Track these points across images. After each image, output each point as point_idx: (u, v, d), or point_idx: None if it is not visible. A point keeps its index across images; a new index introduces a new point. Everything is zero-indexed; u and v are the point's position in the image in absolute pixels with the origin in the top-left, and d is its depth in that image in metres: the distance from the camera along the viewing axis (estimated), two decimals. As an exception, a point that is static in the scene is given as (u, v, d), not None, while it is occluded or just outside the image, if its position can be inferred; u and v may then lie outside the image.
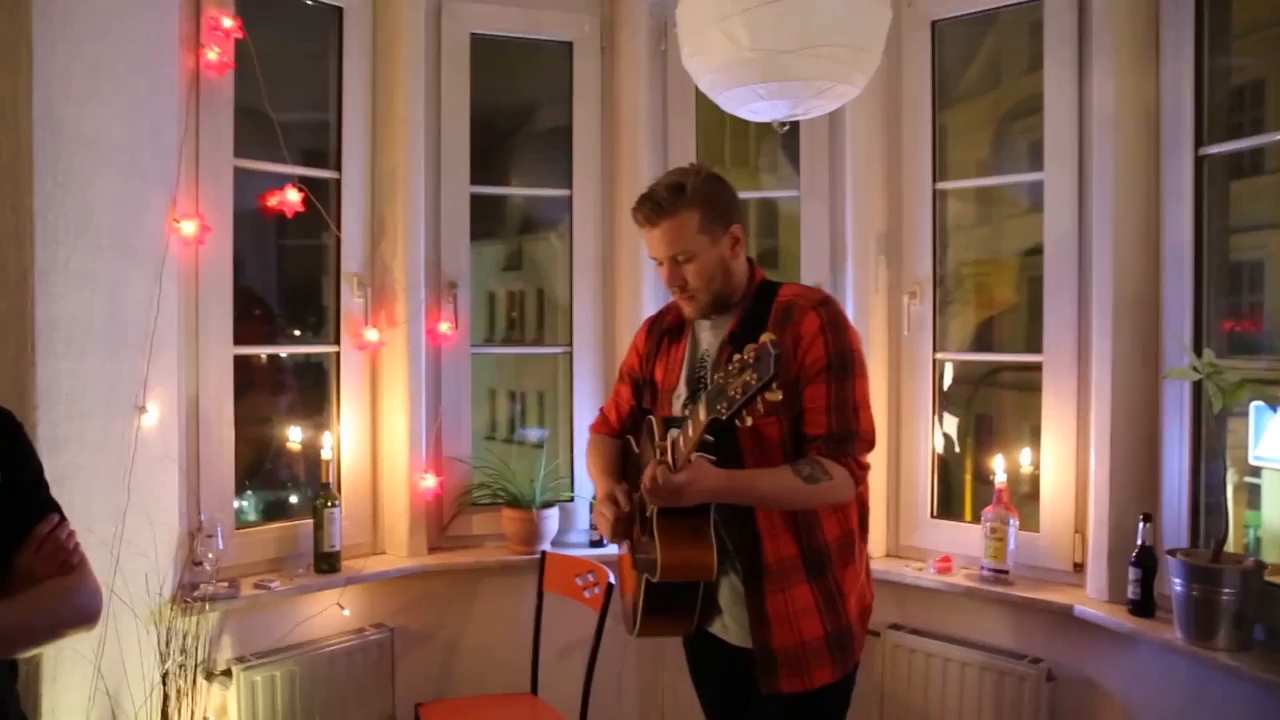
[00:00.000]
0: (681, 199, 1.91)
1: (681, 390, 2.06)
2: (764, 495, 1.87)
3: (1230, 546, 2.32)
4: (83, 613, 1.50)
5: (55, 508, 1.53)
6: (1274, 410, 2.25)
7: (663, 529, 1.84)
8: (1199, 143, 2.47)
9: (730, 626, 2.00)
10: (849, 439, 1.87)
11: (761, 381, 1.51)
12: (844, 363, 1.89)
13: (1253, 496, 2.51)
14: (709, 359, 2.02)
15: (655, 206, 1.93)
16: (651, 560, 1.87)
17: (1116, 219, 2.55)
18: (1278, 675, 2.10)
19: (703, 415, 1.64)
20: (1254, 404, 2.28)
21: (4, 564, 1.43)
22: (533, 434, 4.20)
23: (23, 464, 1.52)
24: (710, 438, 1.69)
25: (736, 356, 1.57)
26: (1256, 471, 2.45)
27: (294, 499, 3.19)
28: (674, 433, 1.79)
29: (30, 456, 1.54)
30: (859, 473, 1.90)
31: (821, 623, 1.92)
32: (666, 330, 2.15)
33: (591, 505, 3.20)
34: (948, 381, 3.14)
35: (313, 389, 3.24)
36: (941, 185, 3.03)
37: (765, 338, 1.54)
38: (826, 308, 1.93)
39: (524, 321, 4.10)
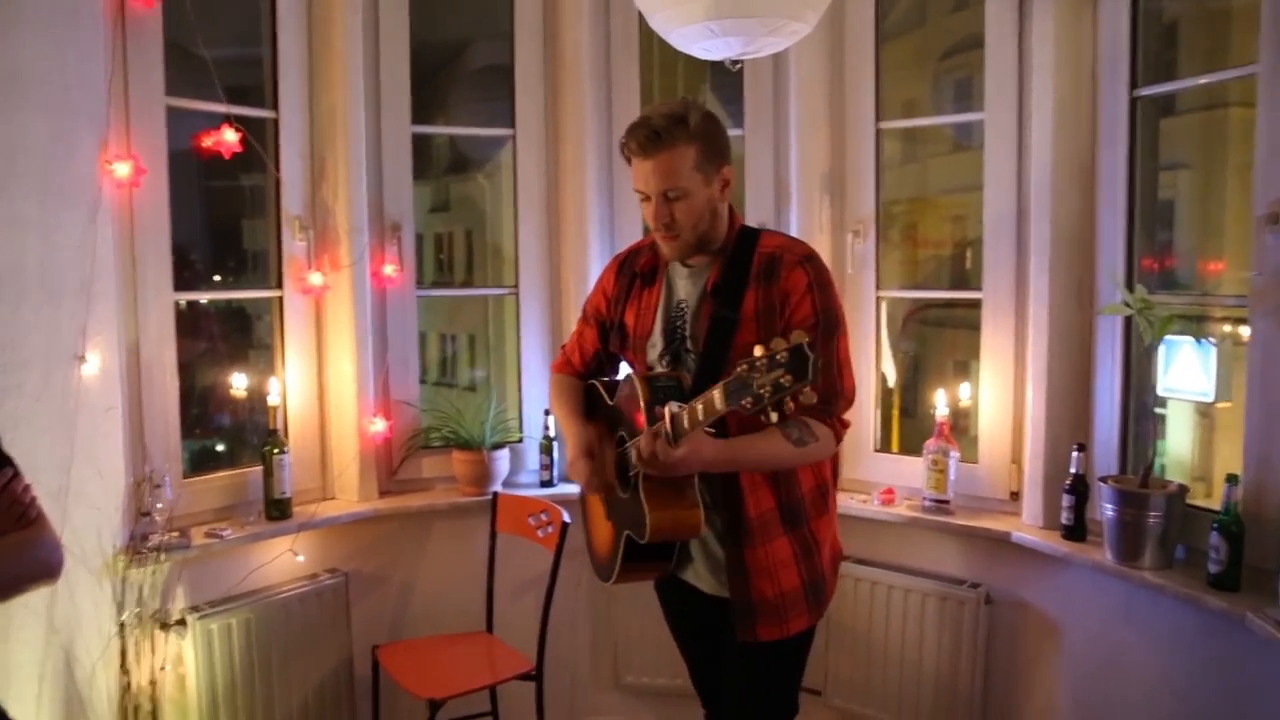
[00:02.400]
0: (682, 131, 1.83)
1: (657, 340, 2.01)
2: (756, 463, 1.87)
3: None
4: (45, 566, 1.48)
5: (8, 461, 1.50)
6: (1199, 344, 2.37)
7: (649, 489, 1.84)
8: (1134, 84, 2.54)
9: (702, 575, 2.02)
10: (833, 399, 1.87)
11: (795, 385, 1.48)
12: (830, 322, 1.87)
13: (1161, 427, 2.64)
14: (687, 309, 1.97)
15: (653, 135, 1.84)
16: (637, 519, 1.87)
17: (1055, 159, 2.62)
18: (1196, 590, 2.24)
19: (719, 404, 1.59)
20: (1165, 338, 2.39)
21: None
22: (464, 377, 4.19)
23: None
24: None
25: (762, 351, 1.51)
26: (1165, 403, 2.59)
27: (242, 446, 3.15)
28: (674, 406, 1.74)
29: None
30: (841, 431, 1.91)
31: (799, 573, 1.95)
32: (639, 273, 2.07)
33: (542, 446, 3.23)
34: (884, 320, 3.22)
35: (257, 335, 3.18)
36: (883, 124, 3.06)
37: (798, 336, 1.49)
38: (813, 264, 1.90)
39: (453, 264, 4.06)
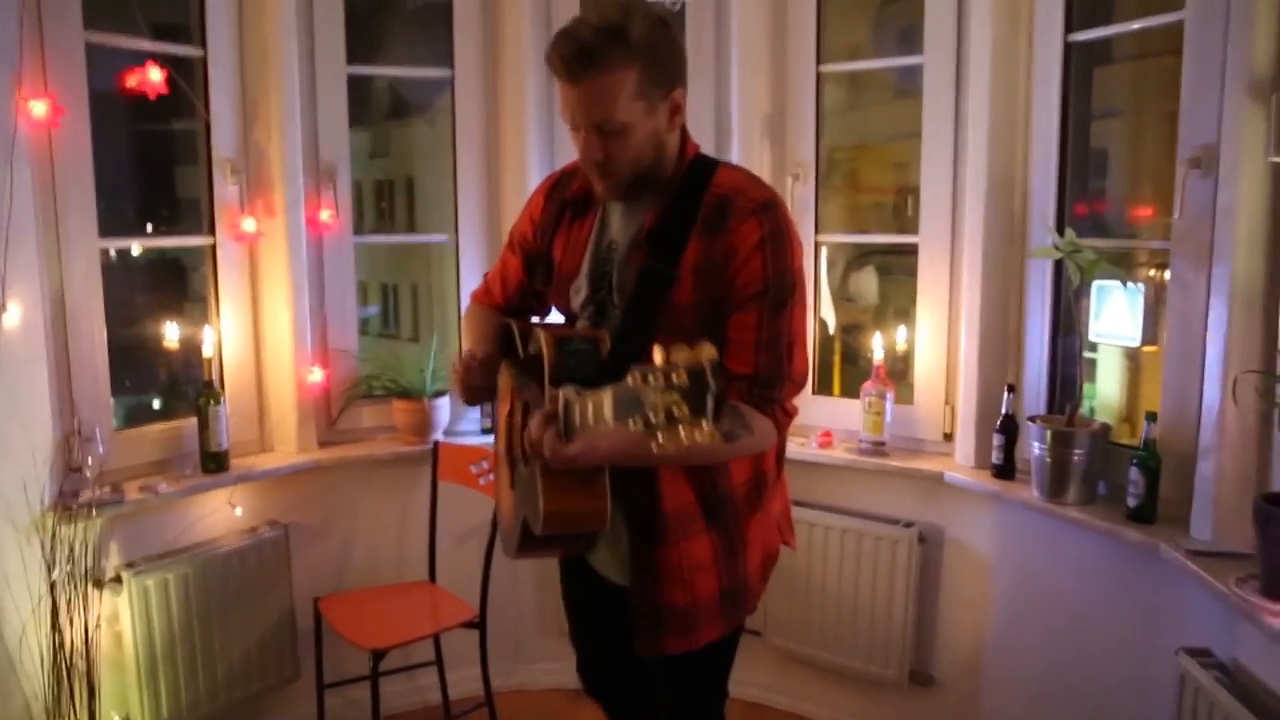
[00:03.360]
0: (620, 49, 1.48)
1: (581, 284, 1.72)
2: (674, 457, 1.42)
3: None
4: None
5: None
6: (1122, 286, 2.44)
7: (547, 473, 1.51)
8: (1068, 29, 2.57)
9: (609, 563, 1.76)
10: (777, 382, 1.57)
11: (689, 419, 1.09)
12: (782, 288, 1.55)
13: (1090, 371, 2.73)
14: (617, 252, 1.67)
15: (581, 54, 1.48)
16: (533, 504, 1.56)
17: (991, 103, 2.65)
18: (1115, 524, 2.33)
19: (608, 414, 1.24)
20: (1096, 284, 2.46)
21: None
22: (406, 328, 4.13)
23: None
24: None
25: (662, 365, 1.11)
26: (1095, 348, 2.68)
27: (177, 399, 3.07)
28: (570, 392, 1.38)
29: None
30: (784, 420, 1.61)
31: (718, 577, 1.67)
32: (570, 201, 1.75)
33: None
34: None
35: (189, 283, 3.09)
36: (824, 68, 3.06)
37: (705, 355, 1.09)
38: (769, 214, 1.55)
39: (394, 211, 3.99)
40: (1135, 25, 2.52)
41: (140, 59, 2.60)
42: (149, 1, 2.64)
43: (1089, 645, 2.48)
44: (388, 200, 4.10)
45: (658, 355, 1.14)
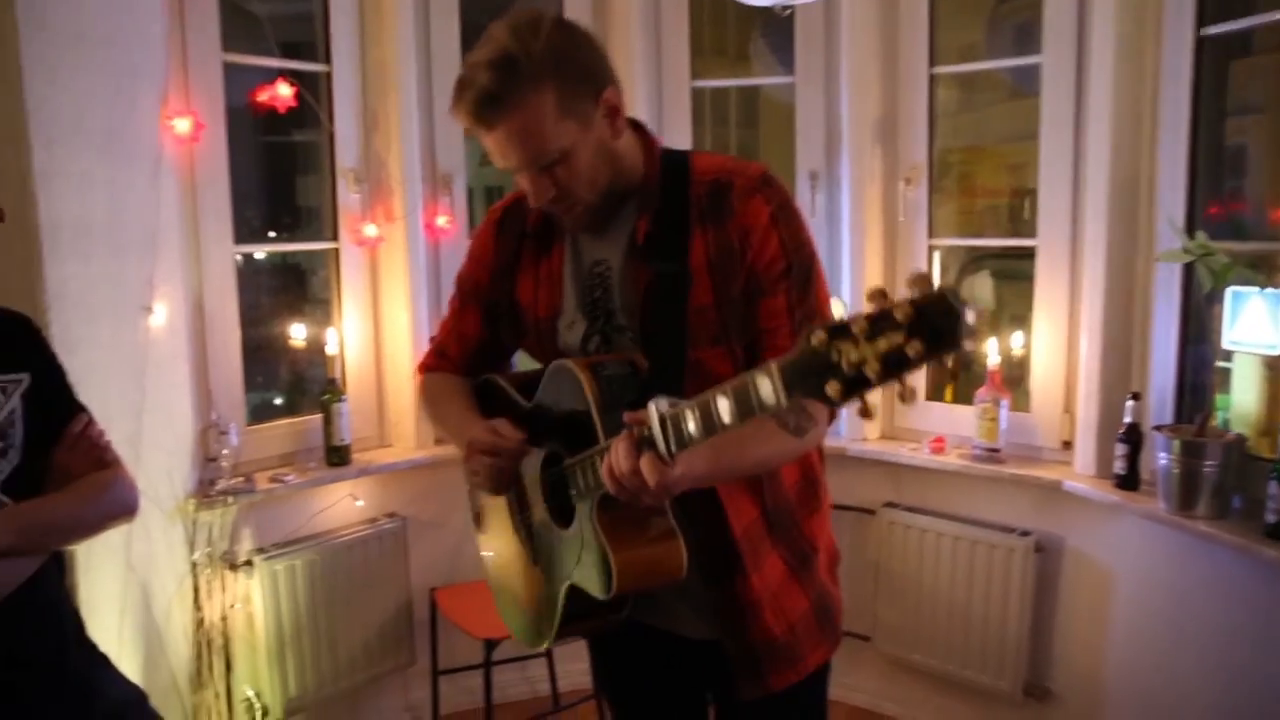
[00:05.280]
0: (518, 78, 1.29)
1: (574, 317, 1.50)
2: (754, 466, 1.41)
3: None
4: (123, 505, 1.55)
5: (83, 408, 1.57)
6: (1260, 291, 2.31)
7: (608, 523, 1.33)
8: (1200, 22, 2.45)
9: (683, 615, 1.53)
10: None
11: (930, 354, 0.90)
12: (805, 262, 1.41)
13: (1225, 380, 2.59)
14: (610, 273, 1.46)
15: (484, 100, 1.30)
16: (591, 565, 1.37)
17: (1115, 102, 2.55)
18: (1252, 540, 2.21)
19: (770, 395, 1.04)
20: (1230, 289, 2.33)
21: (42, 463, 1.48)
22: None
23: (48, 367, 1.55)
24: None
25: (861, 312, 0.94)
26: (1229, 356, 2.53)
27: (302, 396, 3.24)
28: (664, 405, 1.19)
29: (53, 360, 1.57)
30: (836, 410, 1.30)
31: (803, 591, 1.52)
32: (528, 232, 1.54)
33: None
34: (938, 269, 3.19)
35: (308, 285, 3.25)
36: (937, 69, 3.00)
37: (928, 281, 0.91)
38: (772, 188, 1.41)
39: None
40: (1278, 15, 2.38)
41: (271, 75, 2.75)
42: (279, 21, 2.79)
43: (1218, 666, 2.37)
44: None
45: (839, 309, 0.93)
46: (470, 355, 1.65)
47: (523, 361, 1.71)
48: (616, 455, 1.22)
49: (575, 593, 1.43)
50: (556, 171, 1.36)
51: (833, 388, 0.96)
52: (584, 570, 1.39)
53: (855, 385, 0.95)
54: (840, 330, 0.96)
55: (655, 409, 1.20)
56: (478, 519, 1.73)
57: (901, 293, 0.92)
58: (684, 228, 1.41)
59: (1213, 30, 2.44)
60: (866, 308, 0.94)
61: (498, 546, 1.67)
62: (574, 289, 1.50)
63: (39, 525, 1.42)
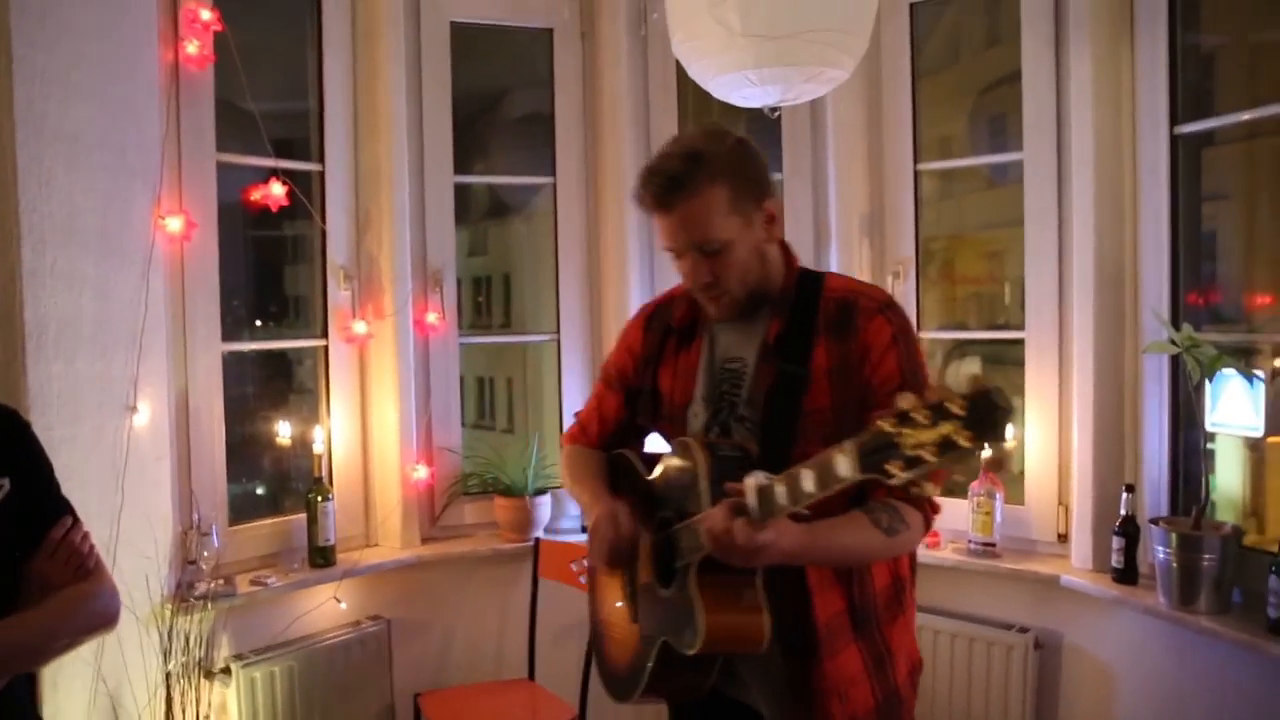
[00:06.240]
0: (704, 171, 1.52)
1: (698, 408, 1.68)
2: (840, 555, 1.55)
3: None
4: (102, 618, 1.49)
5: (68, 509, 1.52)
6: (1249, 381, 2.32)
7: (704, 584, 1.49)
8: (1174, 121, 2.52)
9: (761, 693, 1.65)
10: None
11: (976, 445, 1.08)
12: (918, 383, 1.53)
13: (1210, 463, 2.58)
14: (745, 371, 1.63)
15: (669, 184, 1.53)
16: (682, 622, 1.53)
17: (1096, 195, 2.61)
18: (1256, 636, 2.18)
19: (845, 470, 1.23)
20: (1214, 377, 2.35)
21: (20, 571, 1.43)
22: (501, 420, 4.20)
23: (33, 467, 1.50)
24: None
25: (913, 402, 1.13)
26: (1214, 438, 2.54)
27: (285, 492, 3.18)
28: (759, 477, 1.38)
29: (39, 458, 1.52)
30: (932, 517, 1.57)
31: (872, 690, 1.60)
32: (674, 328, 1.74)
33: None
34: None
35: (294, 376, 3.22)
36: (922, 165, 3.07)
37: (981, 381, 1.09)
38: (895, 312, 1.59)
39: (490, 307, 4.11)
40: (1245, 116, 2.46)
41: (264, 175, 2.78)
42: (272, 119, 2.83)
43: (1229, 769, 2.30)
44: (485, 296, 4.22)
45: (906, 401, 1.15)
46: (609, 433, 1.86)
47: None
48: (715, 517, 1.41)
49: (666, 651, 1.58)
50: (716, 259, 1.56)
51: (895, 466, 1.14)
52: (676, 627, 1.54)
53: (913, 464, 1.13)
54: (906, 418, 1.13)
55: (753, 480, 1.39)
56: (591, 577, 1.91)
57: (955, 391, 1.11)
58: (809, 337, 1.58)
59: (1187, 129, 2.51)
60: (929, 400, 1.12)
61: (604, 604, 1.83)
62: (705, 381, 1.69)
63: (5, 648, 1.36)
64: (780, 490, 1.35)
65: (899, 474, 1.14)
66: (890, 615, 1.63)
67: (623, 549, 1.65)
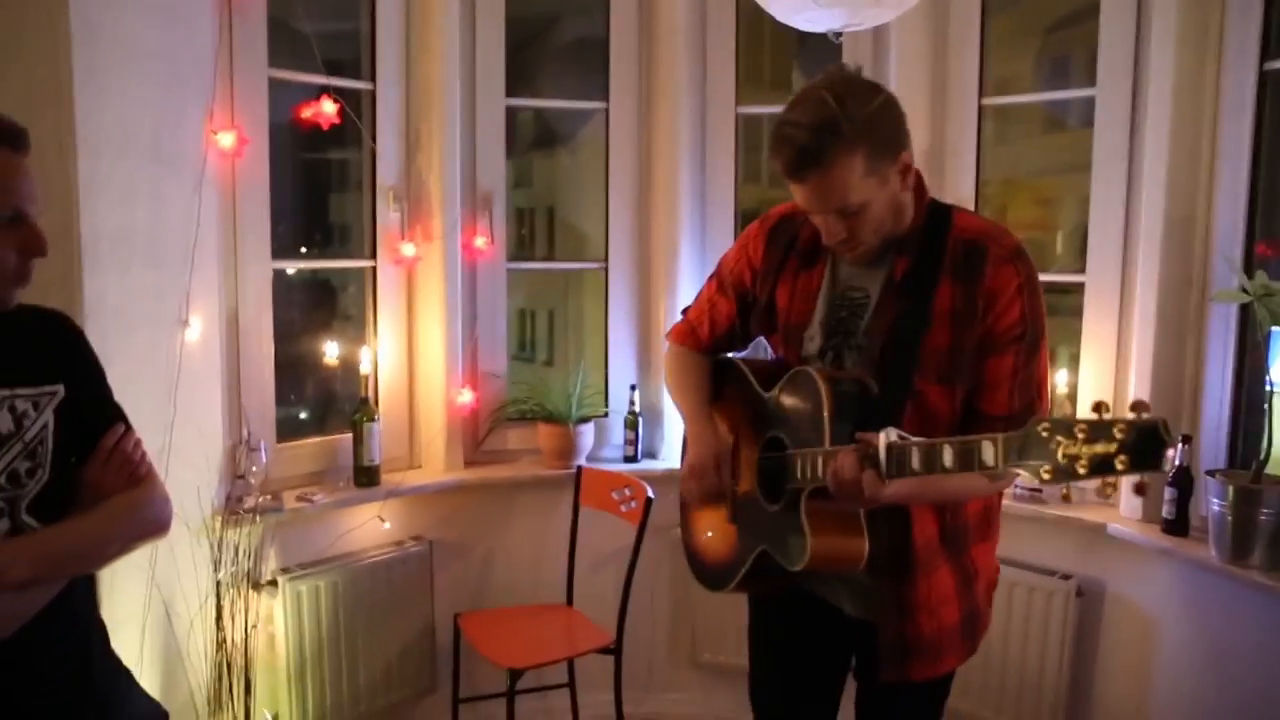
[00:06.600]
0: (838, 141, 1.48)
1: (815, 333, 1.70)
2: (949, 497, 1.63)
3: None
4: (155, 524, 1.51)
5: (121, 416, 1.52)
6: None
7: (814, 511, 1.57)
8: (1264, 56, 2.40)
9: (843, 595, 1.76)
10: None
11: (1128, 473, 1.13)
12: (1037, 333, 1.58)
13: (1272, 416, 2.49)
14: (867, 303, 1.65)
15: (802, 156, 1.50)
16: (787, 541, 1.62)
17: (1172, 136, 2.50)
18: (1312, 593, 2.13)
19: (991, 458, 1.28)
20: (1274, 328, 2.26)
21: (73, 480, 1.44)
22: (541, 352, 4.22)
23: (86, 373, 1.49)
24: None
25: (1085, 419, 1.16)
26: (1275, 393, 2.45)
27: (332, 414, 3.21)
28: (895, 436, 1.42)
29: (93, 364, 1.51)
30: None
31: (959, 607, 1.69)
32: (798, 249, 1.73)
33: (628, 422, 3.21)
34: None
35: (338, 302, 3.23)
36: (988, 100, 2.96)
37: (1149, 410, 1.13)
38: (1024, 260, 1.58)
39: (534, 239, 4.08)
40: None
41: (315, 92, 2.74)
42: (325, 39, 2.79)
43: (1270, 724, 2.27)
44: (529, 228, 4.20)
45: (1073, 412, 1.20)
46: (719, 337, 1.89)
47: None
48: (843, 463, 1.46)
49: (764, 557, 1.69)
50: (853, 219, 1.55)
51: (1046, 471, 1.19)
52: (780, 542, 1.64)
53: (1063, 475, 1.17)
54: (1063, 426, 1.17)
55: (885, 437, 1.42)
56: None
57: (1120, 413, 1.13)
58: (933, 275, 1.59)
59: (1277, 64, 2.38)
60: (1090, 415, 1.15)
61: (708, 495, 1.86)
62: (824, 306, 1.70)
63: (60, 554, 1.37)
64: (915, 455, 1.39)
65: (1048, 479, 1.19)
66: (980, 536, 1.71)
67: (711, 493, 1.77)
